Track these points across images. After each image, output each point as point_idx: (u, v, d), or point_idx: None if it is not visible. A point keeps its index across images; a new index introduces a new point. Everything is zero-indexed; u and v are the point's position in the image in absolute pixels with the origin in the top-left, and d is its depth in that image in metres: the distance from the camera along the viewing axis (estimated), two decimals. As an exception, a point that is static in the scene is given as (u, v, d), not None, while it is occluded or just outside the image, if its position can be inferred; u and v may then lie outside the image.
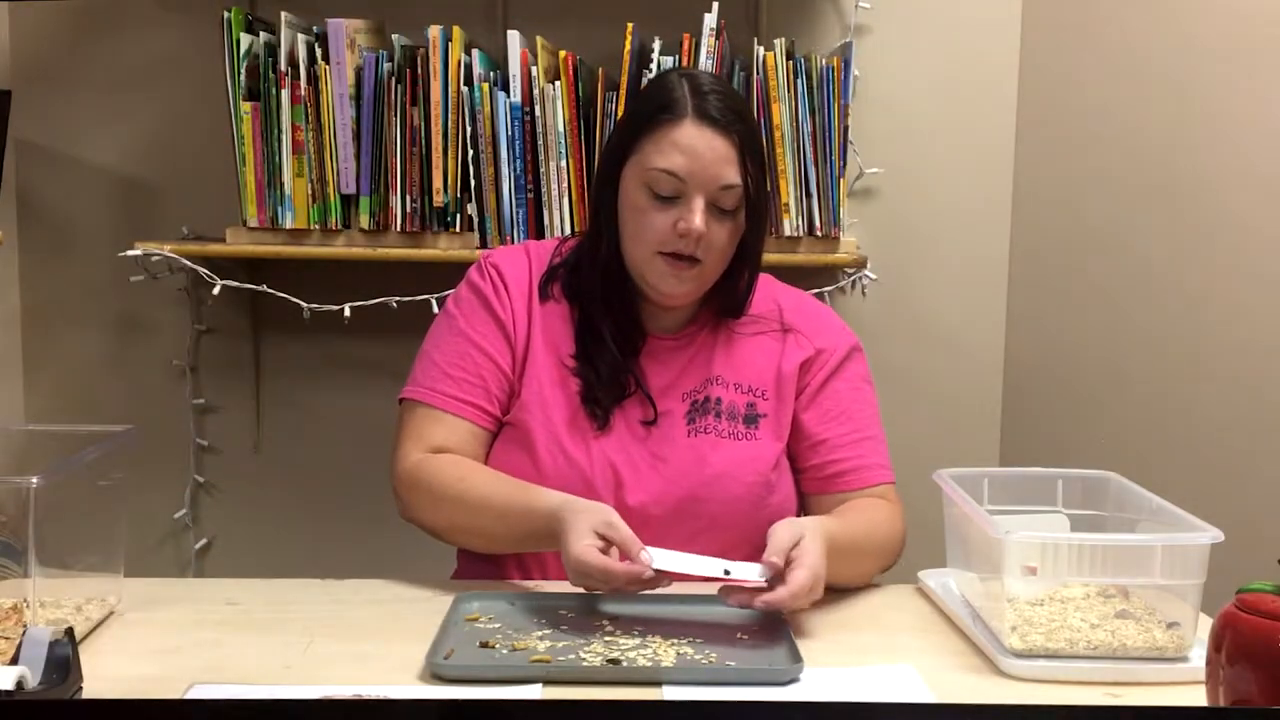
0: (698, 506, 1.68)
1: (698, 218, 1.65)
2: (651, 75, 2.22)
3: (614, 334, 1.74)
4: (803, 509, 1.78)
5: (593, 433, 1.72)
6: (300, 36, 2.28)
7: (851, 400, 1.78)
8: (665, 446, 1.72)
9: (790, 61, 2.27)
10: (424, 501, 1.69)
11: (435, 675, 1.37)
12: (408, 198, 2.29)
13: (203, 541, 2.59)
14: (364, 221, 2.31)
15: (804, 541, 1.51)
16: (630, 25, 2.26)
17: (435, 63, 2.25)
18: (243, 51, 2.26)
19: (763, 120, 2.27)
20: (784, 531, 1.52)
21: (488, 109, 2.27)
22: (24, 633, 1.26)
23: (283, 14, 2.27)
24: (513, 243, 2.28)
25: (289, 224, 2.31)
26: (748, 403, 1.75)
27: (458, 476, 1.67)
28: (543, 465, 1.69)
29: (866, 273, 2.41)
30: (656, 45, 2.27)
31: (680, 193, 1.67)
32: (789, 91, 2.27)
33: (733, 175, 1.67)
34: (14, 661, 1.23)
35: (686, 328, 1.79)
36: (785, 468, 1.77)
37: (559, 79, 2.27)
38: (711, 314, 1.79)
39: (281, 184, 2.29)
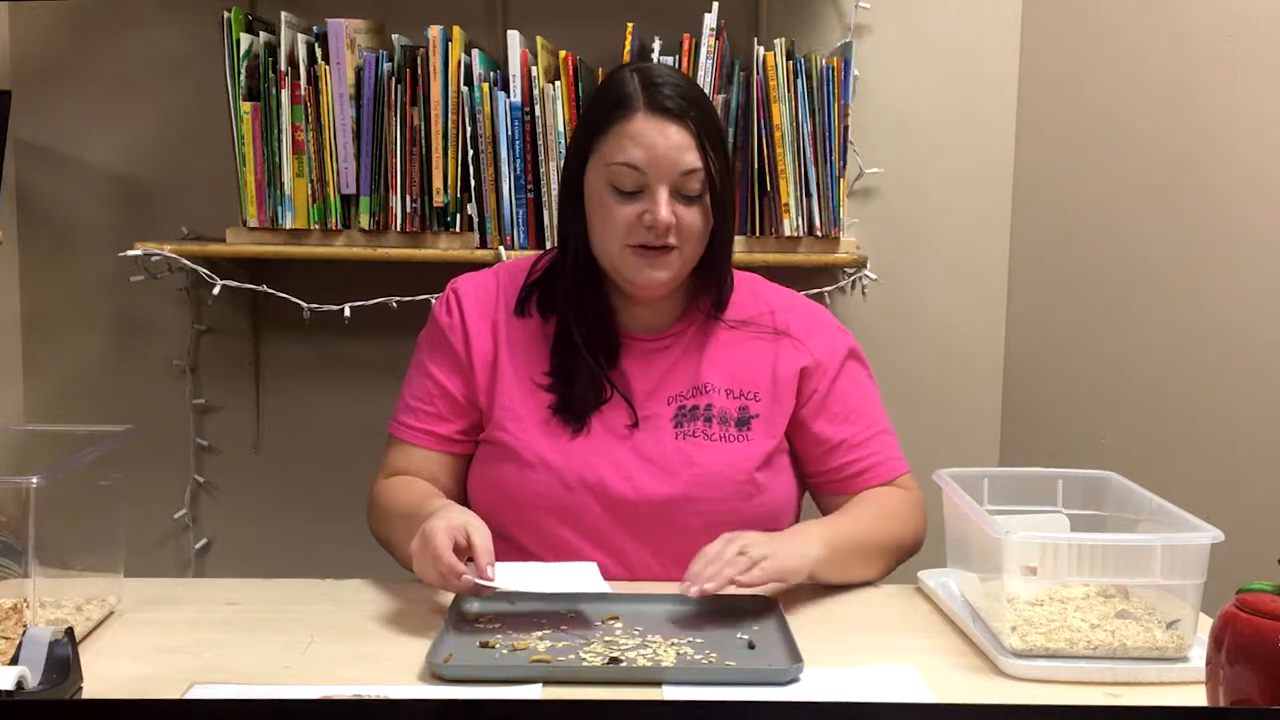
0: (689, 506, 1.69)
1: (663, 209, 1.66)
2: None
3: (587, 338, 1.74)
4: (820, 510, 1.80)
5: (569, 436, 1.72)
6: (300, 36, 2.27)
7: (858, 398, 1.79)
8: (652, 448, 1.72)
9: (790, 61, 2.27)
10: (372, 521, 1.80)
11: (435, 675, 1.37)
12: (408, 198, 2.29)
13: (203, 541, 2.59)
14: (364, 221, 2.30)
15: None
16: (630, 25, 2.25)
17: (435, 63, 2.25)
18: (243, 51, 2.26)
19: (763, 120, 2.27)
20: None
21: (488, 109, 2.27)
22: (24, 633, 1.26)
23: (283, 14, 2.26)
24: (513, 243, 2.28)
25: (289, 224, 2.30)
26: (740, 406, 1.75)
27: (389, 493, 1.76)
28: (524, 473, 1.71)
29: (866, 273, 2.40)
30: (656, 45, 2.27)
31: (642, 185, 1.67)
32: (789, 91, 2.27)
33: (693, 160, 1.67)
34: (14, 661, 1.23)
35: (671, 328, 1.79)
36: (780, 467, 1.77)
37: (559, 79, 2.26)
38: (696, 314, 1.79)
39: (281, 184, 2.29)
